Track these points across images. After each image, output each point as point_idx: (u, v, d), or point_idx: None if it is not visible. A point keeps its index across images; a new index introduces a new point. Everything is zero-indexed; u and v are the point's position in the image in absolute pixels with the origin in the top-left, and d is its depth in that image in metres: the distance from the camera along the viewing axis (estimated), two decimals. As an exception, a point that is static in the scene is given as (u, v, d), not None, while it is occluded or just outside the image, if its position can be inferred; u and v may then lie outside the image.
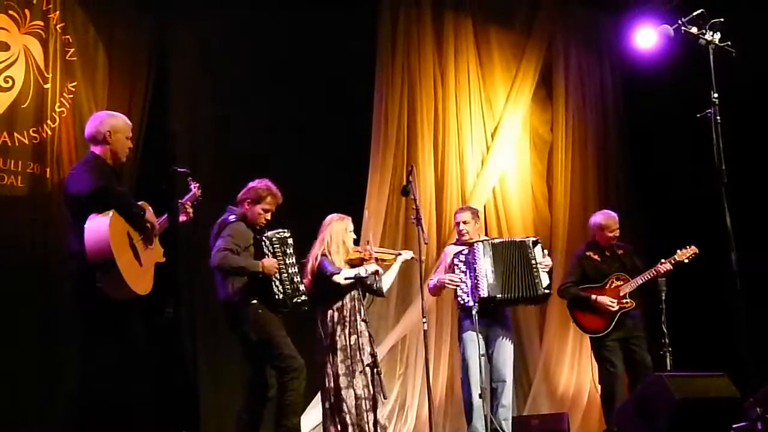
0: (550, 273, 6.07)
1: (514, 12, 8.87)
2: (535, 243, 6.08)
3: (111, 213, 4.35)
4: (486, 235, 7.78)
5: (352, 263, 5.71)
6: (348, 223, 5.79)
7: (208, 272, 5.45)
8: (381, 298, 6.07)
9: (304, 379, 5.29)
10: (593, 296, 6.60)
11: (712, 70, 4.89)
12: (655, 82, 8.46)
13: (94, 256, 4.29)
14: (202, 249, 5.55)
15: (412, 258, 5.94)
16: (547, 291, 5.99)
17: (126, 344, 4.49)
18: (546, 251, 6.12)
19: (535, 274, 5.93)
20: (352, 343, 5.56)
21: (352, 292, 5.64)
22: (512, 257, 5.95)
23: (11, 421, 5.52)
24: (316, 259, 5.64)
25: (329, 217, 5.81)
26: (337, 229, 5.73)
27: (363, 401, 5.47)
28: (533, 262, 5.96)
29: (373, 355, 5.58)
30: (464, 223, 6.15)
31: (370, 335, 5.64)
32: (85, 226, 4.32)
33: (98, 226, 4.31)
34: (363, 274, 5.59)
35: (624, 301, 6.55)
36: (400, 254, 5.95)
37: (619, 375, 6.58)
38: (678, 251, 6.50)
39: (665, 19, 5.56)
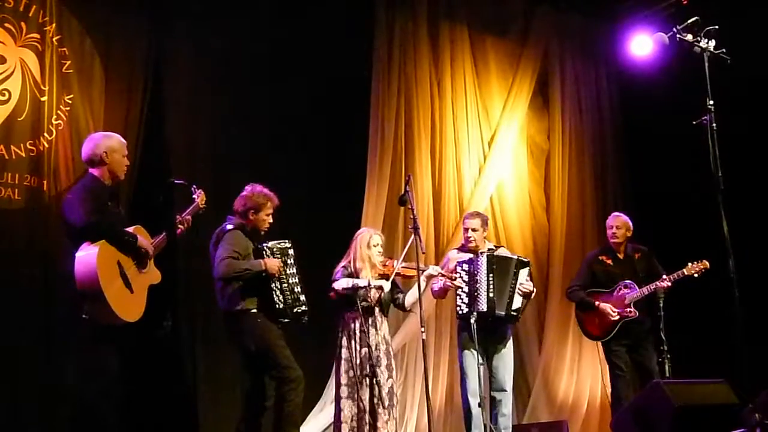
0: (527, 297, 5.97)
1: (509, 21, 8.88)
2: (524, 264, 6.00)
3: (100, 243, 4.42)
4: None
5: (379, 277, 5.75)
6: (371, 235, 5.82)
7: (207, 285, 5.44)
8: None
9: (302, 390, 5.27)
10: (597, 302, 6.60)
11: (707, 77, 4.90)
12: (651, 89, 8.46)
13: (83, 287, 4.37)
14: (201, 262, 5.54)
15: (438, 273, 5.83)
16: (514, 314, 5.88)
17: (117, 359, 4.58)
18: (530, 277, 6.00)
19: (511, 294, 5.84)
20: (362, 355, 5.58)
21: (363, 304, 5.62)
22: (506, 273, 5.87)
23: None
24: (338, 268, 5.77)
25: (359, 230, 5.94)
26: (358, 242, 5.80)
27: (365, 414, 5.48)
28: (513, 281, 5.86)
29: (375, 365, 5.57)
30: (473, 230, 6.08)
31: (382, 346, 5.65)
32: (76, 255, 4.41)
33: (87, 258, 4.39)
34: (361, 284, 5.60)
35: (628, 309, 6.51)
36: (424, 270, 5.75)
37: (628, 379, 6.58)
38: (688, 264, 6.40)
39: (660, 27, 5.57)
